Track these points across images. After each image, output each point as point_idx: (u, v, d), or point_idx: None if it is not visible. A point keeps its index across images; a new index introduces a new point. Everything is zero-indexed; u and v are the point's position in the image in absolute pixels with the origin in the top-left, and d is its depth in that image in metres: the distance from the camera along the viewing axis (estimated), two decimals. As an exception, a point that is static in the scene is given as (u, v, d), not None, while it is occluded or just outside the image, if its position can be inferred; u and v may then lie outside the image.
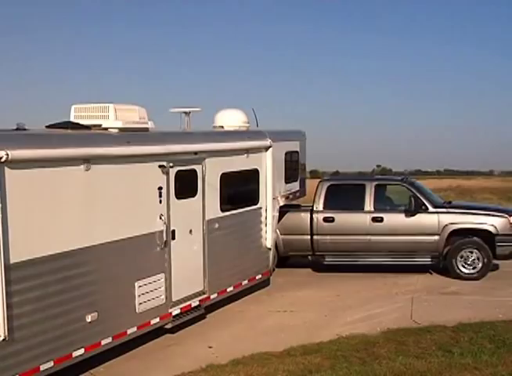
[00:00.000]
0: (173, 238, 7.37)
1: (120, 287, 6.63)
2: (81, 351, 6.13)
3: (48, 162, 5.74)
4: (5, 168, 5.31)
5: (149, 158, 7.01)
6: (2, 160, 5.24)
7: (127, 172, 6.70)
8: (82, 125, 6.85)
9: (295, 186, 10.96)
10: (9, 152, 5.27)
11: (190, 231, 7.75)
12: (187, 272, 7.66)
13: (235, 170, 8.69)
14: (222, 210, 8.39)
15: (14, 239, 5.37)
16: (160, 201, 7.19)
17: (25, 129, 6.13)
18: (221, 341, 7.34)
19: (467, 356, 6.48)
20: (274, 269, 10.14)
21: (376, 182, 10.86)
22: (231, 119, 9.70)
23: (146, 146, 6.99)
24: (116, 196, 6.53)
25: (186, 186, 7.68)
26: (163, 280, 7.21)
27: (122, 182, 6.63)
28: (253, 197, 9.26)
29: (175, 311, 7.47)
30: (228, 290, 8.61)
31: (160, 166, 7.16)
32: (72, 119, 7.28)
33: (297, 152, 11.00)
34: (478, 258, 10.07)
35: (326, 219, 10.61)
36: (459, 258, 10.11)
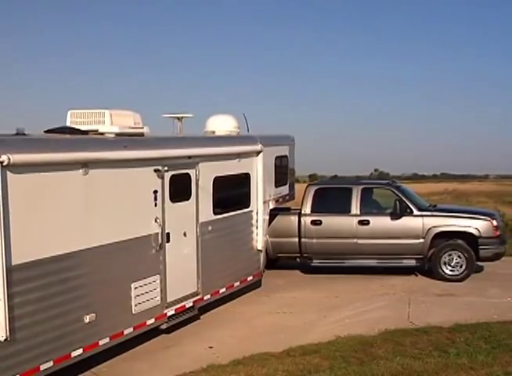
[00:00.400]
0: (168, 241, 7.54)
1: (117, 288, 6.77)
2: (80, 351, 6.25)
3: (48, 166, 5.87)
4: (7, 172, 5.44)
5: (145, 162, 7.18)
6: (4, 164, 5.37)
7: (124, 176, 6.85)
8: (80, 130, 6.99)
9: (284, 189, 11.19)
10: (10, 156, 5.40)
11: (184, 234, 7.92)
12: (181, 273, 7.82)
13: (227, 174, 8.88)
14: (215, 213, 8.58)
15: (16, 241, 5.50)
16: (156, 204, 7.36)
17: (24, 134, 6.26)
18: (222, 342, 7.47)
19: (463, 356, 6.59)
20: (264, 271, 10.34)
21: (363, 186, 11.11)
22: (222, 124, 9.90)
23: (142, 150, 7.15)
24: (113, 199, 6.68)
25: (180, 189, 7.85)
26: (158, 281, 7.37)
27: (119, 186, 6.78)
28: (244, 201, 9.46)
29: (170, 312, 7.62)
30: (221, 291, 8.78)
31: (155, 170, 7.32)
32: (68, 124, 7.42)
33: (286, 156, 11.23)
34: (461, 261, 10.34)
35: (313, 222, 10.84)
36: (442, 260, 10.37)
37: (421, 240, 10.47)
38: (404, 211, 10.60)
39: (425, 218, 10.55)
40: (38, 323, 5.78)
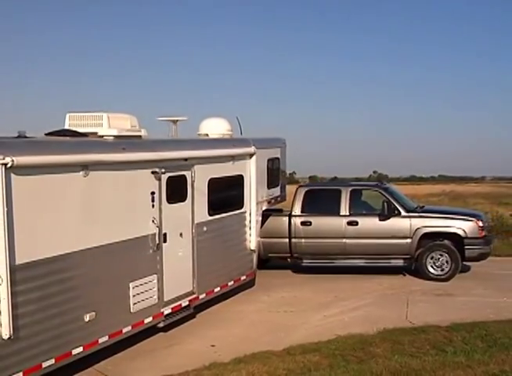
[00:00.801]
0: (165, 241, 7.69)
1: (115, 287, 6.91)
2: (80, 349, 6.39)
3: (50, 168, 6.01)
4: (11, 174, 5.57)
5: (142, 164, 7.33)
6: (8, 166, 5.49)
7: (122, 178, 7.00)
8: (80, 133, 7.13)
9: (276, 191, 11.41)
10: (14, 158, 5.53)
11: (180, 234, 8.08)
12: (178, 273, 7.99)
13: (221, 176, 9.07)
14: (210, 214, 8.75)
15: (19, 241, 5.63)
16: (153, 206, 7.51)
17: (26, 137, 6.39)
18: (224, 341, 7.60)
19: (460, 354, 6.70)
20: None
21: (352, 188, 11.34)
22: (215, 127, 10.08)
23: (140, 152, 7.31)
24: (112, 200, 6.83)
25: (177, 191, 8.01)
26: (155, 281, 7.52)
27: (118, 188, 6.93)
28: (238, 202, 9.65)
29: (167, 310, 7.78)
30: (216, 290, 8.96)
31: (152, 172, 7.48)
32: (66, 127, 7.56)
33: (278, 158, 11.45)
34: (447, 261, 10.58)
35: (303, 223, 11.06)
36: (428, 260, 10.62)
37: (408, 241, 10.71)
38: (392, 212, 10.84)
39: (412, 219, 10.79)
40: (40, 322, 5.91)
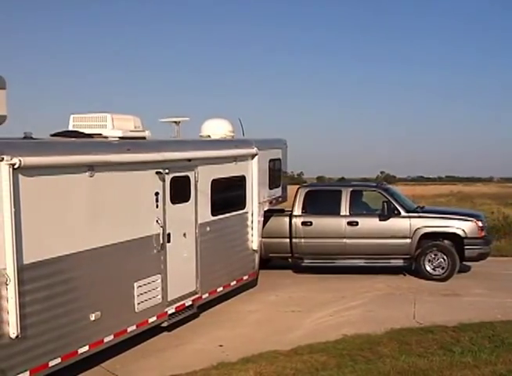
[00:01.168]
0: (168, 241, 7.75)
1: (120, 287, 6.97)
2: (86, 348, 6.44)
3: (57, 169, 6.07)
4: (19, 174, 5.62)
5: (147, 165, 7.39)
6: (16, 166, 5.55)
7: (127, 179, 7.06)
8: (85, 134, 7.19)
9: (278, 191, 11.48)
10: (21, 159, 5.58)
11: (184, 234, 8.14)
12: (181, 273, 8.05)
13: (224, 176, 9.14)
14: (213, 214, 8.82)
15: (27, 241, 5.68)
16: (157, 206, 7.57)
17: (32, 138, 6.44)
18: (231, 340, 7.64)
19: (467, 354, 6.73)
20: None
21: (352, 188, 11.40)
22: (217, 128, 10.15)
23: (144, 153, 7.37)
24: (117, 201, 6.88)
25: (180, 191, 8.08)
26: (159, 280, 7.58)
27: (123, 188, 6.99)
28: (240, 202, 9.72)
29: (171, 310, 7.84)
30: (218, 290, 9.02)
31: (157, 172, 7.54)
32: (70, 128, 7.61)
33: (279, 159, 11.53)
34: (444, 261, 10.65)
35: (304, 223, 11.13)
36: (426, 260, 10.70)
37: (408, 241, 10.78)
38: (392, 213, 10.90)
39: (412, 219, 10.86)
40: (47, 321, 5.96)
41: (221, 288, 9.08)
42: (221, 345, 7.47)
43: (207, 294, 8.68)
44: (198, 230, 8.43)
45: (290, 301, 9.52)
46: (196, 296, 8.43)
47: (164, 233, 7.64)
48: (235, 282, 9.50)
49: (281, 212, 11.66)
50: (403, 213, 10.91)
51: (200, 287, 8.47)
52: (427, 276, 10.66)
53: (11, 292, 5.51)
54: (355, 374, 6.25)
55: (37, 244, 5.83)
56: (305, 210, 11.23)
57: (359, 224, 10.94)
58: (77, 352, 6.33)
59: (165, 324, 7.77)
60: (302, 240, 11.12)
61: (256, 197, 9.98)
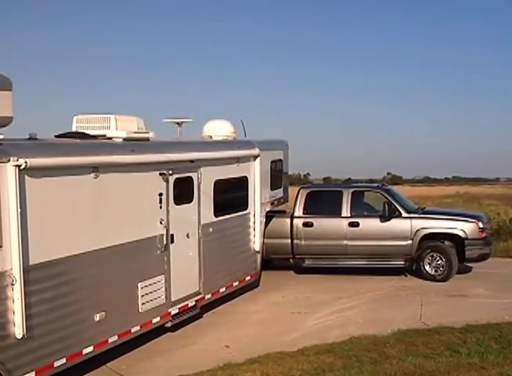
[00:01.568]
0: (172, 242, 7.78)
1: (125, 287, 7.00)
2: (91, 348, 6.47)
3: (62, 170, 6.09)
4: (25, 175, 5.65)
5: (151, 166, 7.42)
6: (22, 167, 5.57)
7: (131, 180, 7.09)
8: (90, 135, 7.21)
9: (279, 192, 11.52)
10: (27, 160, 5.61)
11: (187, 235, 8.17)
12: (184, 273, 8.08)
13: (227, 177, 9.17)
14: (215, 215, 8.85)
15: (33, 242, 5.71)
16: (161, 207, 7.60)
17: (37, 139, 6.47)
18: (238, 341, 7.66)
19: (474, 356, 6.72)
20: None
21: (353, 189, 11.44)
22: (219, 129, 10.17)
23: (148, 154, 7.40)
24: (121, 202, 6.92)
25: (184, 192, 8.10)
26: (163, 281, 7.60)
27: (127, 189, 7.02)
28: (242, 203, 9.75)
29: (174, 310, 7.86)
30: (221, 290, 9.05)
31: (160, 173, 7.57)
32: (74, 129, 7.64)
33: (281, 160, 11.56)
34: (443, 261, 10.69)
35: (305, 224, 11.16)
36: (426, 261, 10.74)
37: (409, 242, 10.82)
38: (393, 214, 10.94)
39: (413, 220, 10.90)
40: (53, 321, 5.98)
41: (223, 289, 9.11)
42: (227, 346, 7.49)
43: (209, 295, 8.71)
44: (201, 231, 8.46)
45: (294, 302, 9.54)
46: (199, 297, 8.46)
47: (167, 234, 7.67)
48: (237, 282, 9.54)
49: (283, 213, 11.69)
50: (404, 214, 10.96)
51: (203, 287, 8.50)
52: (427, 277, 10.70)
53: (17, 293, 5.53)
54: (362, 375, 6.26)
55: (42, 244, 5.86)
56: (306, 211, 11.28)
57: (360, 225, 10.98)
58: (81, 352, 6.36)
59: (169, 325, 7.80)
60: (303, 241, 11.16)
61: (258, 198, 10.01)
